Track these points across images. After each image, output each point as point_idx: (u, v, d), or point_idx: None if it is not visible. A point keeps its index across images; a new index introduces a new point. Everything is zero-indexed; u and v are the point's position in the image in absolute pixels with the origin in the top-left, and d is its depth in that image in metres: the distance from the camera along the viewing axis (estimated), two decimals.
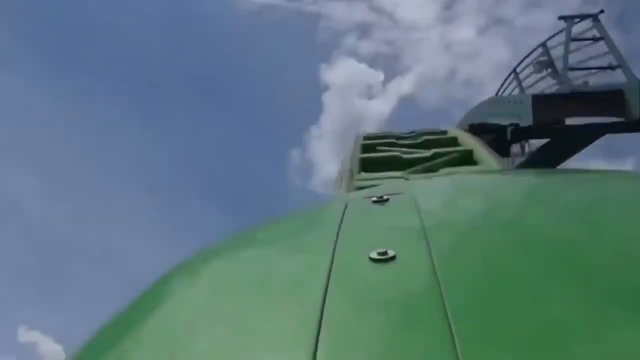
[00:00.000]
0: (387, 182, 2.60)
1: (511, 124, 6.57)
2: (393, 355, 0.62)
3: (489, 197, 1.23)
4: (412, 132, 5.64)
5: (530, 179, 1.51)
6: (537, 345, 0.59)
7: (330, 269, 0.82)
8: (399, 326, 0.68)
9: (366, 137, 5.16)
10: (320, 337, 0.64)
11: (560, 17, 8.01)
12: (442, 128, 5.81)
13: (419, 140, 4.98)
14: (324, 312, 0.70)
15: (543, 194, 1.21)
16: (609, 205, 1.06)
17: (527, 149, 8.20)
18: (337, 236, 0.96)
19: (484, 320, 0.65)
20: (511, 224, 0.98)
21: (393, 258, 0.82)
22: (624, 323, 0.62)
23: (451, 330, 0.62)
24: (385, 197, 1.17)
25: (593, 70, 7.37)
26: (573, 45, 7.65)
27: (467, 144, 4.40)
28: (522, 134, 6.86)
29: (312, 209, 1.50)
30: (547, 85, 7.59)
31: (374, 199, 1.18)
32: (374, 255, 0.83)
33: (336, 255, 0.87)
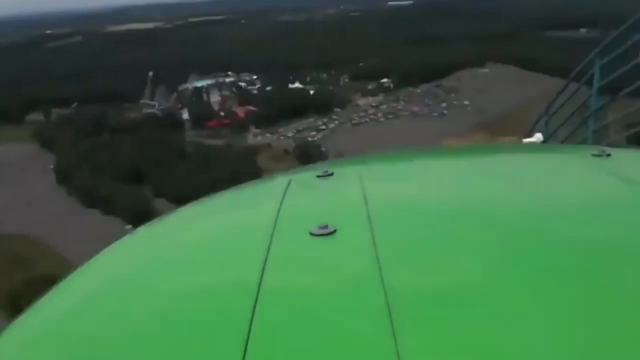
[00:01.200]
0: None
1: None
2: (329, 327, 0.61)
3: (433, 173, 1.20)
4: None
5: (472, 154, 1.51)
6: (464, 312, 0.60)
7: (270, 243, 0.80)
8: (337, 299, 0.67)
9: None
10: (256, 310, 0.63)
11: None
12: None
13: None
14: (261, 286, 0.68)
15: (481, 169, 1.20)
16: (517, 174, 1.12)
17: None
18: (279, 211, 0.93)
19: (420, 293, 0.66)
20: (449, 198, 0.97)
21: (333, 232, 0.80)
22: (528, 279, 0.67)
23: (388, 303, 0.61)
24: (329, 172, 1.14)
25: None
26: None
27: None
28: None
29: (256, 185, 1.48)
30: None
31: (319, 174, 1.15)
32: (314, 229, 0.81)
33: (276, 230, 0.85)
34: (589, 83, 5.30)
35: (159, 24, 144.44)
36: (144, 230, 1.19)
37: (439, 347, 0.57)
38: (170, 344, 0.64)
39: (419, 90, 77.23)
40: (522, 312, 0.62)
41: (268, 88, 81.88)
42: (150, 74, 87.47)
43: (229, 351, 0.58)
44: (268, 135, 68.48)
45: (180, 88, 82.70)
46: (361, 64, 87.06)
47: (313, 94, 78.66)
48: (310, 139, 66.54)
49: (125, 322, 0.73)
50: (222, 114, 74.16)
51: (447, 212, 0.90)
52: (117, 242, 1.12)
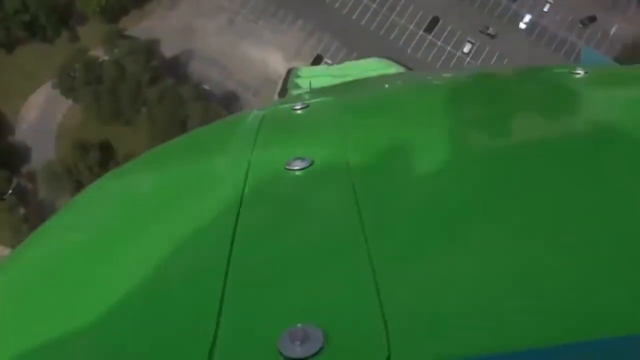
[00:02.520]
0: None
1: None
2: (306, 262, 0.62)
3: (411, 102, 1.16)
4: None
5: (454, 82, 1.45)
6: (441, 245, 0.61)
7: (246, 178, 0.80)
8: (314, 233, 0.67)
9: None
10: (234, 246, 0.63)
11: None
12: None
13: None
14: (239, 221, 0.68)
15: (464, 98, 1.13)
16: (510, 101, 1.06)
17: None
18: (254, 145, 0.92)
19: (396, 229, 0.65)
20: (426, 130, 0.94)
21: (310, 165, 0.80)
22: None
23: (366, 239, 0.61)
24: (305, 105, 1.12)
25: None
26: None
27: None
28: None
29: (230, 120, 1.45)
30: None
31: (295, 106, 1.13)
32: (290, 162, 0.81)
33: (252, 164, 0.84)
34: None
35: None
36: (124, 167, 1.18)
37: (420, 280, 0.57)
38: (150, 289, 0.64)
39: None
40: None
41: None
42: None
43: (207, 295, 0.58)
44: None
45: None
46: None
47: None
48: None
49: (105, 268, 0.72)
50: None
51: (426, 140, 0.88)
52: (89, 188, 1.09)
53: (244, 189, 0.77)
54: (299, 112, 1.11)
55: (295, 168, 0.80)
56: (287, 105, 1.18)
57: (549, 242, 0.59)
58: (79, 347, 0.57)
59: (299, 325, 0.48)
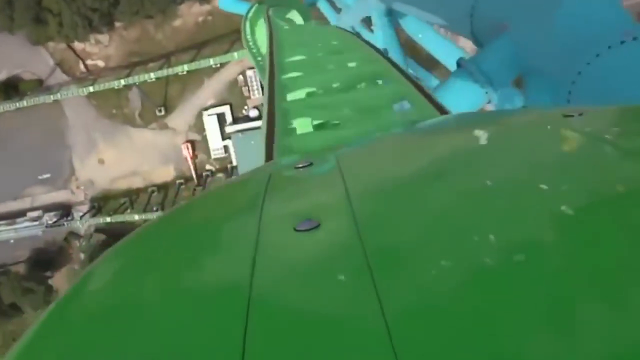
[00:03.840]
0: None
1: None
2: (323, 320, 0.62)
3: (413, 158, 1.19)
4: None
5: (456, 133, 1.47)
6: (457, 297, 0.61)
7: (257, 244, 0.80)
8: (328, 292, 0.67)
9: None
10: (250, 311, 0.64)
11: None
12: None
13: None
14: (253, 287, 0.69)
15: (467, 147, 1.17)
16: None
17: None
18: (262, 210, 0.93)
19: (409, 281, 0.66)
20: (431, 184, 0.97)
21: (317, 227, 0.81)
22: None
23: (377, 293, 0.61)
24: (308, 163, 1.15)
25: None
26: None
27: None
28: None
29: (236, 183, 1.49)
30: None
31: (299, 165, 1.16)
32: (298, 225, 0.82)
33: (262, 230, 0.85)
34: None
35: None
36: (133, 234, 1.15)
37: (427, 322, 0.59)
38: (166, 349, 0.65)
39: None
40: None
41: None
42: None
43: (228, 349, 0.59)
44: None
45: None
46: None
47: None
48: None
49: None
50: None
51: (435, 198, 0.89)
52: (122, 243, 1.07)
53: (255, 254, 0.77)
54: (304, 170, 1.14)
55: (303, 229, 0.81)
56: (292, 165, 1.20)
57: None
58: None
59: None
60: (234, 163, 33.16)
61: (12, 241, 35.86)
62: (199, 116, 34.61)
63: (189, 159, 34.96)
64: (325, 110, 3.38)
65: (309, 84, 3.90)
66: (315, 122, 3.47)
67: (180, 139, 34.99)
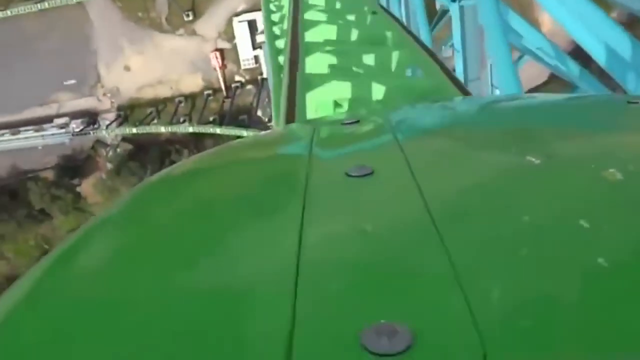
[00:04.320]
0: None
1: None
2: (383, 261, 0.61)
3: (468, 121, 1.20)
4: None
5: (495, 105, 1.46)
6: (513, 245, 0.62)
7: (306, 188, 0.78)
8: (387, 237, 0.65)
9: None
10: (301, 258, 0.60)
11: None
12: None
13: None
14: (303, 233, 0.66)
15: (516, 119, 1.15)
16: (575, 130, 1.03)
17: None
18: (310, 156, 0.92)
19: (469, 225, 0.65)
20: (481, 141, 0.97)
21: (371, 173, 0.79)
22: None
23: (440, 237, 0.60)
24: (355, 120, 1.14)
25: None
26: None
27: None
28: None
29: (278, 133, 1.47)
30: None
31: (345, 121, 1.15)
32: (351, 171, 0.80)
33: (311, 175, 0.83)
34: None
35: None
36: (178, 170, 1.10)
37: (502, 276, 0.55)
38: (226, 290, 0.61)
39: None
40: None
41: None
42: None
43: (277, 303, 0.55)
44: None
45: None
46: None
47: None
48: None
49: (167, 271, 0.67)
50: None
51: (485, 153, 0.90)
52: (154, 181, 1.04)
53: (304, 199, 0.74)
54: (351, 126, 1.12)
55: (357, 174, 0.79)
56: (337, 120, 1.23)
57: None
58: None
59: (384, 321, 0.47)
60: (265, 75, 31.52)
61: (40, 147, 35.78)
62: (229, 22, 32.89)
63: (217, 68, 33.69)
64: (341, 57, 3.51)
65: (328, 31, 4.12)
66: (331, 64, 3.51)
67: (208, 47, 33.58)
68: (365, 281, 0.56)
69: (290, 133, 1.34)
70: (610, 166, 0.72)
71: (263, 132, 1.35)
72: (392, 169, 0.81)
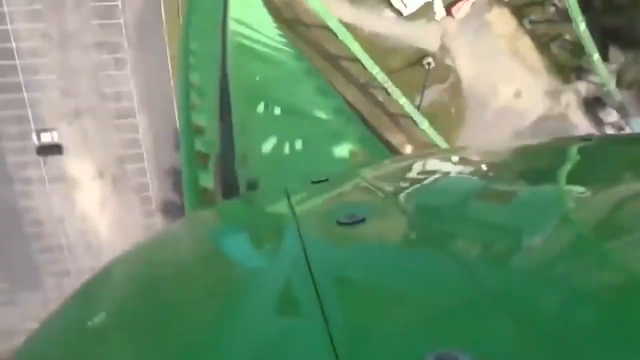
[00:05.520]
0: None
1: None
2: (426, 293, 0.60)
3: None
4: None
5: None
6: (549, 274, 0.61)
7: (302, 238, 0.77)
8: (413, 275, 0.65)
9: None
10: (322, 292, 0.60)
11: None
12: None
13: None
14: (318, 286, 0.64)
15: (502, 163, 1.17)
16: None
17: None
18: (294, 213, 0.91)
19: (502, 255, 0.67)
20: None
21: (362, 220, 0.79)
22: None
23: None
24: (324, 179, 1.14)
25: None
26: None
27: None
28: None
29: (245, 202, 1.49)
30: None
31: (315, 180, 1.15)
32: (342, 218, 0.80)
33: (303, 228, 0.82)
34: None
35: None
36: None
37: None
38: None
39: None
40: None
41: None
42: None
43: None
44: None
45: None
46: None
47: None
48: None
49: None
50: None
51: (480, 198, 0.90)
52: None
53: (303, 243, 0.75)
54: (322, 184, 1.12)
55: (347, 222, 0.79)
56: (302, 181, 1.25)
57: None
58: None
59: (444, 350, 0.47)
60: None
61: None
62: None
63: None
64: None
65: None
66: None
67: None
68: (414, 315, 0.57)
69: (260, 199, 1.35)
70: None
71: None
72: (383, 214, 0.81)
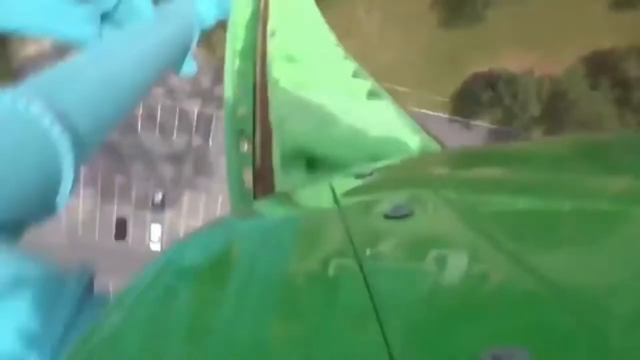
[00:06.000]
0: None
1: None
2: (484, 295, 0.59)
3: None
4: None
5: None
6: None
7: (349, 234, 0.77)
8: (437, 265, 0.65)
9: None
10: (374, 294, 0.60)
11: None
12: None
13: None
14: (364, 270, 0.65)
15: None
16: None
17: None
18: (340, 210, 0.91)
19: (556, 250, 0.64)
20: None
21: (411, 214, 0.78)
22: None
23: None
24: (369, 172, 1.14)
25: None
26: None
27: None
28: None
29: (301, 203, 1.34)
30: None
31: (361, 174, 1.15)
32: (389, 211, 0.80)
33: (350, 224, 0.81)
34: None
35: None
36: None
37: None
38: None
39: None
40: None
41: None
42: None
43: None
44: None
45: None
46: None
47: None
48: None
49: None
50: None
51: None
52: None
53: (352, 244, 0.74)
54: (368, 178, 1.12)
55: (394, 215, 0.78)
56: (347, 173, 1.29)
57: None
58: None
59: (500, 346, 0.47)
60: None
61: None
62: None
63: None
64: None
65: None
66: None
67: None
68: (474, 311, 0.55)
69: (312, 197, 1.33)
70: None
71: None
72: (430, 207, 0.80)
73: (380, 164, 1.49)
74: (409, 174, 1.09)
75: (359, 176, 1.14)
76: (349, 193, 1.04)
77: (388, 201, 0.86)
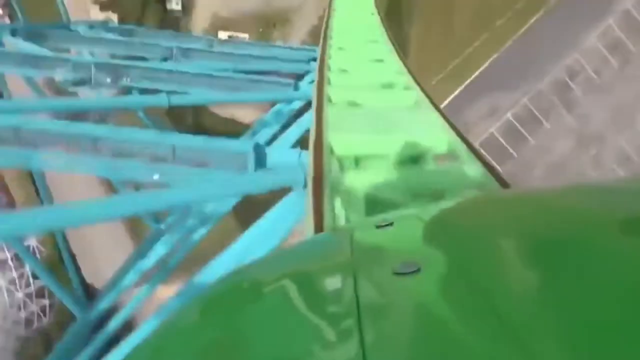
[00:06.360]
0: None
1: None
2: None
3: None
4: None
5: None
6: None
7: (356, 288, 0.79)
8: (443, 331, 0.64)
9: None
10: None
11: None
12: None
13: None
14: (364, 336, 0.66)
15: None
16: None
17: None
18: (353, 261, 0.95)
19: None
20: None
21: (418, 270, 0.80)
22: None
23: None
24: (388, 223, 1.17)
25: None
26: None
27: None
28: None
29: (314, 242, 1.45)
30: None
31: (380, 224, 1.18)
32: (398, 268, 0.81)
33: (358, 276, 0.84)
34: None
35: None
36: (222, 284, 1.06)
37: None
38: None
39: None
40: None
41: None
42: None
43: None
44: None
45: None
46: None
47: None
48: None
49: None
50: None
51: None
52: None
53: (358, 299, 0.75)
54: (384, 229, 1.16)
55: (404, 272, 0.80)
56: (368, 223, 1.27)
57: None
58: None
59: None
60: None
61: None
62: None
63: None
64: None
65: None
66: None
67: None
68: None
69: (328, 241, 1.36)
70: None
71: (298, 244, 1.35)
72: (439, 266, 0.81)
73: (405, 212, 1.48)
74: (429, 230, 1.07)
75: (379, 226, 1.16)
76: (365, 248, 1.06)
77: (398, 256, 0.87)
